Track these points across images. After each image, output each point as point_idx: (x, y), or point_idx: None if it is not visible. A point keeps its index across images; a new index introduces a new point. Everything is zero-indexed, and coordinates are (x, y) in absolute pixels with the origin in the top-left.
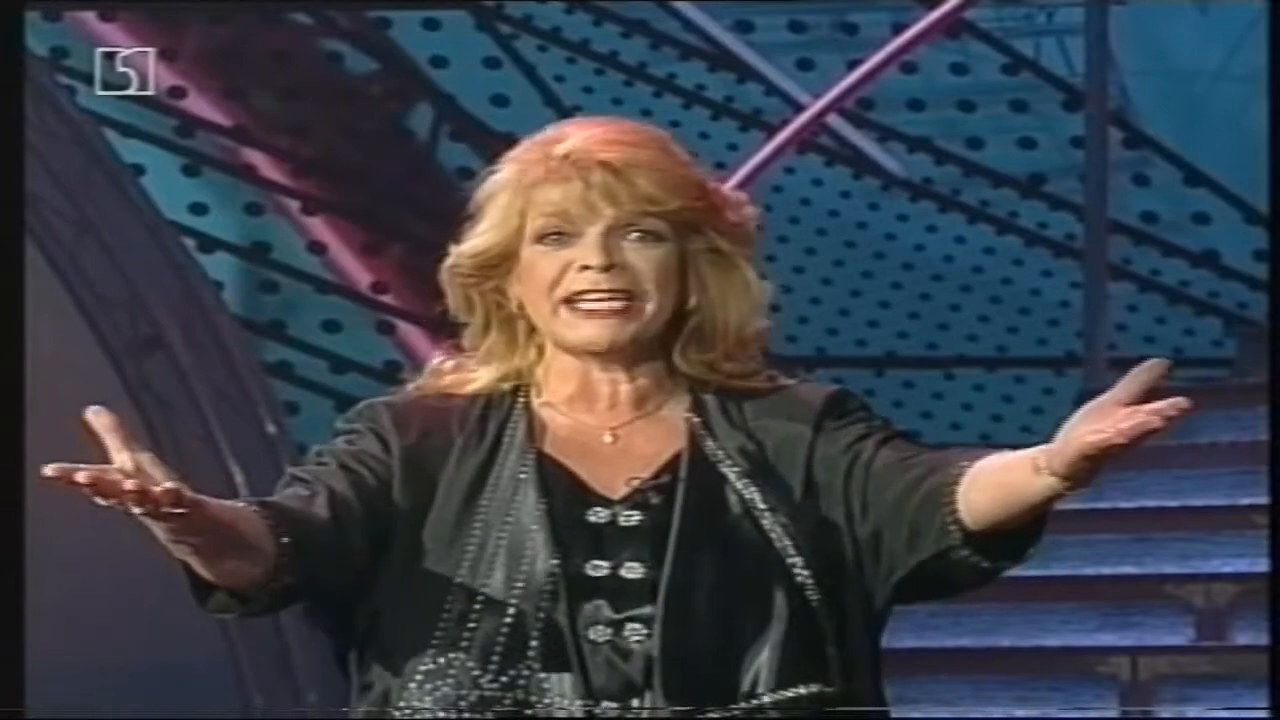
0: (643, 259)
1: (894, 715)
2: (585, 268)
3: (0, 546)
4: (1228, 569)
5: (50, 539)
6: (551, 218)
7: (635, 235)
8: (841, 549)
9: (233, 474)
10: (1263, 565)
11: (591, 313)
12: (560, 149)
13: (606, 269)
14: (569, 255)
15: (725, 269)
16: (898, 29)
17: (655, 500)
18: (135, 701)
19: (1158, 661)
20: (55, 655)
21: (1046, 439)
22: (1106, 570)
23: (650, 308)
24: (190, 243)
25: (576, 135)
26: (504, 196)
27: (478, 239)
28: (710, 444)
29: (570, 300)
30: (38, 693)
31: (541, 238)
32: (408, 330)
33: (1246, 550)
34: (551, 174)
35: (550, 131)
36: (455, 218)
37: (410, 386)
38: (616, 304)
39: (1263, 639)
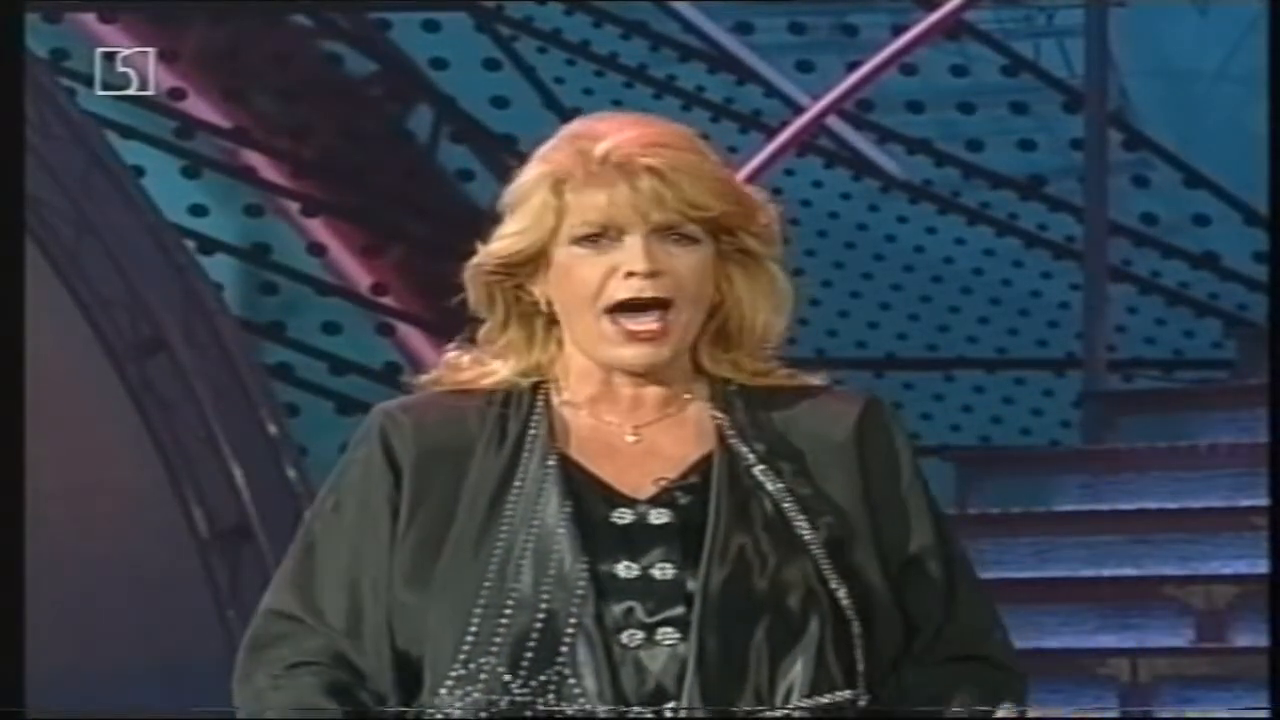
0: (682, 263)
1: (895, 715)
2: (631, 274)
3: (0, 547)
4: (1228, 571)
5: (50, 539)
6: (594, 221)
7: (674, 238)
8: (874, 566)
9: (234, 474)
10: (1262, 567)
11: (632, 335)
12: (599, 150)
13: (651, 275)
14: (611, 260)
15: (754, 269)
16: (897, 30)
17: (684, 500)
18: (135, 701)
19: (1158, 663)
20: (55, 655)
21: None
22: (1106, 572)
23: (686, 316)
24: (190, 244)
25: (613, 136)
26: (538, 197)
27: (510, 240)
28: (741, 447)
29: (613, 311)
30: (38, 693)
31: (580, 240)
32: (407, 332)
33: (1246, 552)
34: (593, 177)
35: (579, 128)
36: (456, 219)
37: (424, 379)
38: (654, 324)
39: (1262, 640)
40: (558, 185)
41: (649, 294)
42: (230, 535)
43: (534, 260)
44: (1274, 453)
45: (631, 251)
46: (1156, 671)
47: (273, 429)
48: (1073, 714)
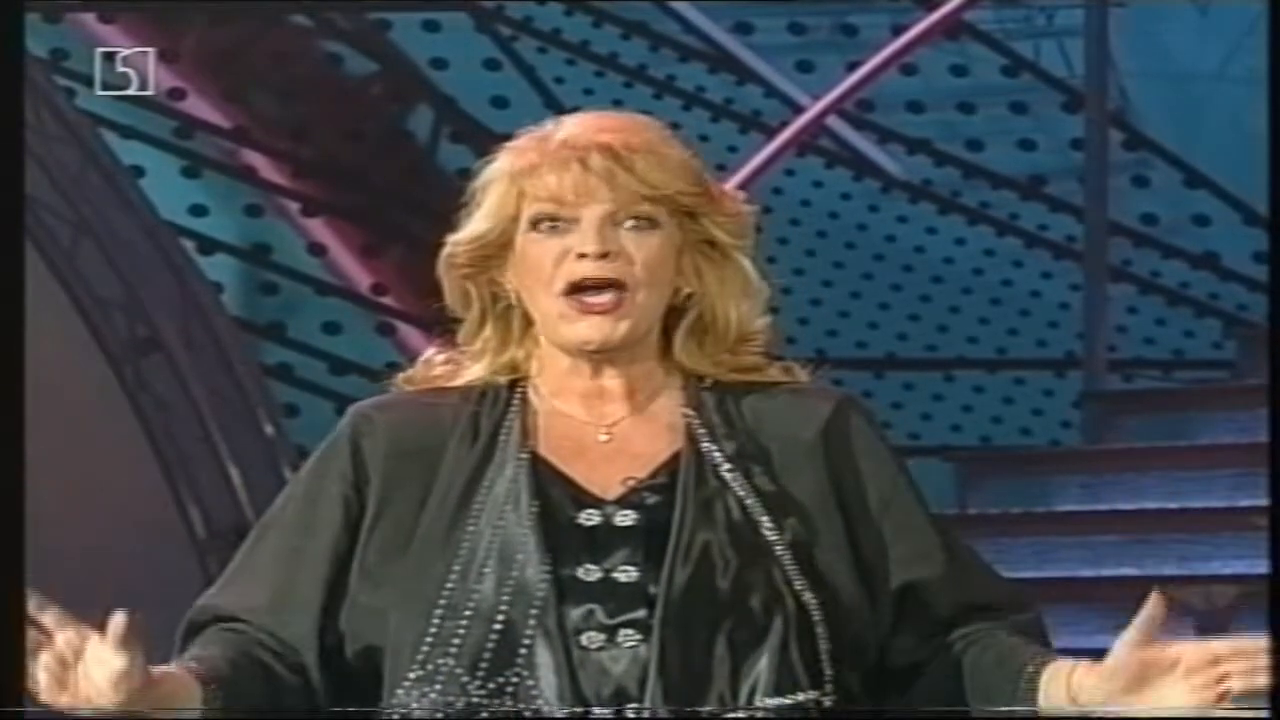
0: (638, 247)
1: (893, 714)
2: (582, 256)
3: (0, 546)
4: (1228, 571)
5: (50, 539)
6: (547, 204)
7: (631, 223)
8: (844, 567)
9: (230, 476)
10: (1262, 567)
11: (587, 308)
12: (556, 138)
13: (602, 256)
14: (565, 243)
15: (722, 261)
16: (897, 31)
17: (651, 500)
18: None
19: None
20: None
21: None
22: (1106, 572)
23: (642, 298)
24: (190, 244)
25: (572, 123)
26: (499, 185)
27: (473, 226)
28: (709, 445)
29: (568, 292)
30: None
31: (536, 224)
32: (408, 332)
33: (1246, 552)
34: (547, 158)
35: (548, 124)
36: (456, 219)
37: (400, 377)
38: (608, 298)
39: (1262, 641)
40: (516, 173)
41: (600, 275)
42: (227, 536)
43: (500, 250)
44: (1274, 453)
45: (584, 234)
46: None
47: (269, 429)
48: (1075, 714)
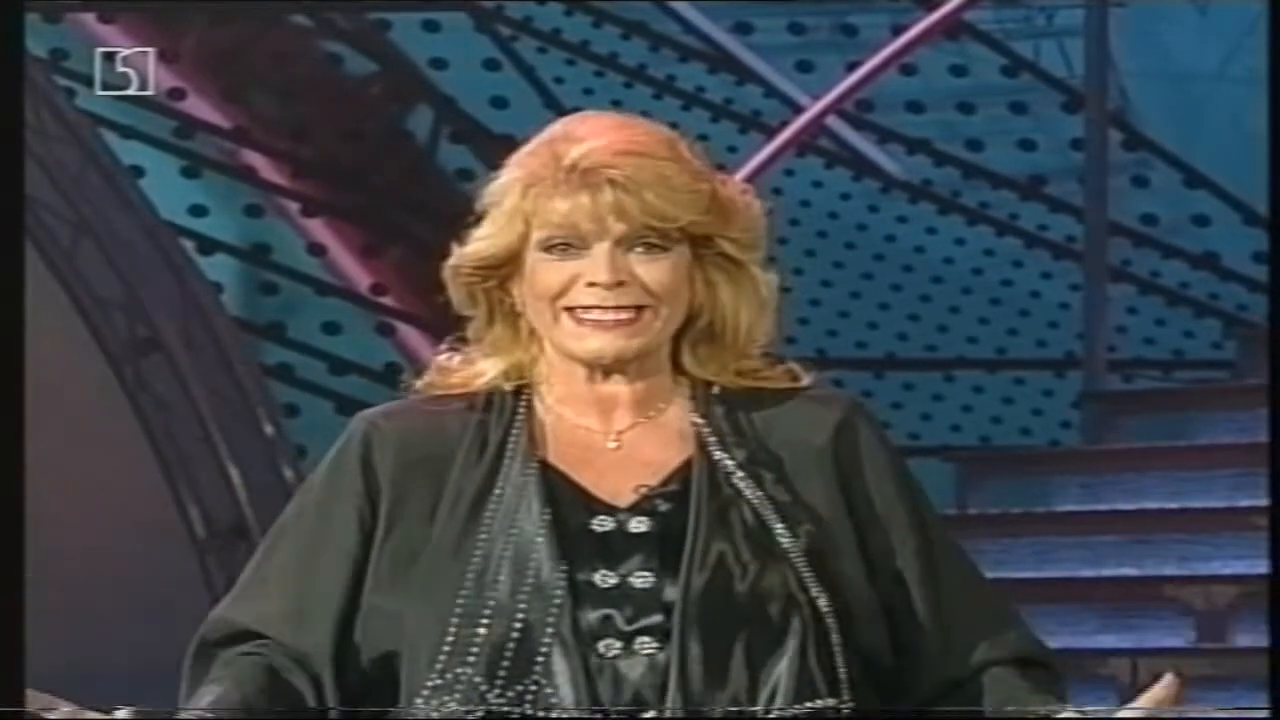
0: (650, 271)
1: (895, 713)
2: (592, 284)
3: (0, 546)
4: (1228, 571)
5: (50, 539)
6: (557, 229)
7: (642, 247)
8: (856, 572)
9: (230, 476)
10: (1262, 567)
11: (598, 324)
12: (568, 158)
13: (614, 286)
14: (576, 268)
15: (736, 274)
16: (897, 31)
17: (664, 508)
18: (133, 701)
19: (1158, 663)
20: (55, 655)
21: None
22: (1107, 572)
23: (659, 322)
24: (190, 244)
25: (586, 142)
26: (509, 201)
27: (481, 243)
28: (720, 453)
29: (573, 309)
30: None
31: (546, 246)
32: (407, 332)
33: (1246, 552)
34: (559, 184)
35: (560, 129)
36: (456, 219)
37: (419, 384)
38: (623, 314)
39: (1263, 641)
40: (527, 190)
41: (611, 304)
42: (227, 535)
43: (508, 264)
44: (1274, 453)
45: (595, 262)
46: (1156, 671)
47: (269, 429)
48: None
